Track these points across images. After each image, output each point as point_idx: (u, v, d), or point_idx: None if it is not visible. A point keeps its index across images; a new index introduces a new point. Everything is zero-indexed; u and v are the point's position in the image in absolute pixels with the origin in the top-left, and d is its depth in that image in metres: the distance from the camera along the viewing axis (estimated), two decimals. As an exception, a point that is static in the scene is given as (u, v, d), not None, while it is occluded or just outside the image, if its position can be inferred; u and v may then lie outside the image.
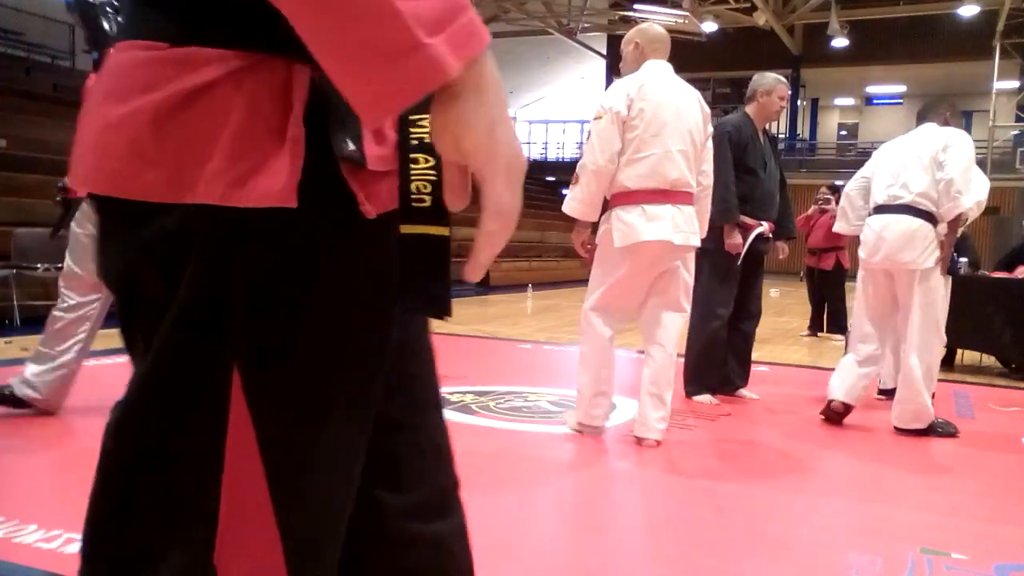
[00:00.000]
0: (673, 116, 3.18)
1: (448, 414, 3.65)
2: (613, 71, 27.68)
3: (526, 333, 7.02)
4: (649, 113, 3.15)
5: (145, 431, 0.68)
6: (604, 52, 27.42)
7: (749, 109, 4.33)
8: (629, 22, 22.80)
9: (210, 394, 0.65)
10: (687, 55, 24.20)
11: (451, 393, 4.19)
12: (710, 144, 3.46)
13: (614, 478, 2.98)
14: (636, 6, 20.30)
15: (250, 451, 0.66)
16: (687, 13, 19.35)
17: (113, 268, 0.69)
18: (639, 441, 3.33)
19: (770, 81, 4.32)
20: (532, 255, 16.22)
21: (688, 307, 3.46)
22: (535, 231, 17.43)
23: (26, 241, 6.66)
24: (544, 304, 10.46)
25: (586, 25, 23.95)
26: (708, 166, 3.44)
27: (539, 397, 4.15)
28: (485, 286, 13.20)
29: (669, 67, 3.38)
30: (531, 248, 16.55)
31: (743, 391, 4.43)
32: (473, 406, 3.89)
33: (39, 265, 6.51)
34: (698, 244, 3.35)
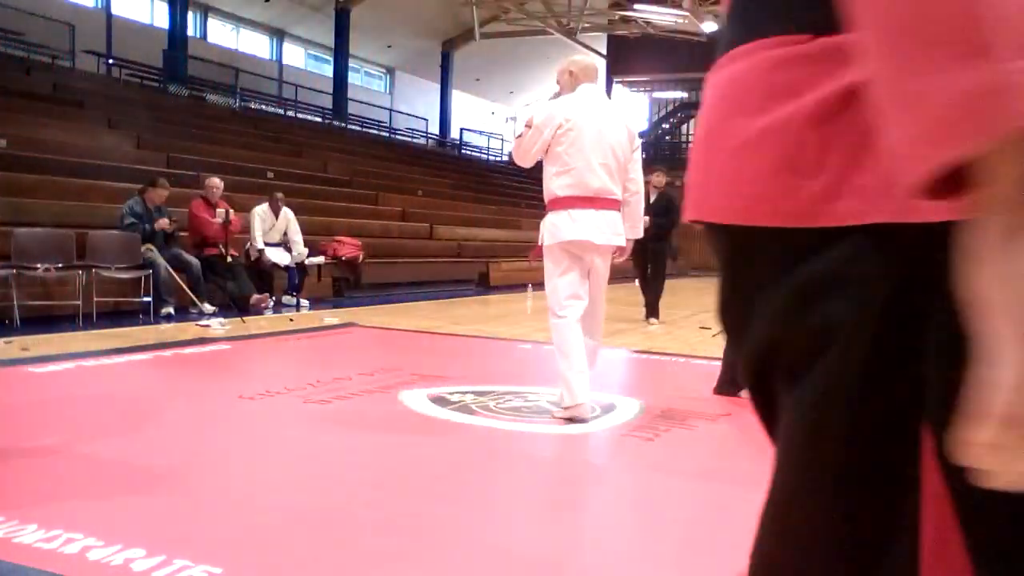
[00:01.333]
0: (596, 134, 3.64)
1: (448, 414, 3.65)
2: (613, 71, 27.73)
3: (526, 333, 7.01)
4: (575, 132, 3.63)
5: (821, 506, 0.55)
6: (604, 52, 27.40)
7: None
8: (629, 22, 22.82)
9: (895, 465, 0.51)
10: (687, 55, 24.28)
11: (451, 393, 4.19)
12: (638, 155, 3.89)
13: (613, 478, 2.98)
14: (636, 6, 20.29)
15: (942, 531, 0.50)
16: (687, 13, 19.34)
17: (760, 325, 0.56)
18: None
19: None
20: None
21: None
22: (535, 231, 17.44)
23: (26, 241, 6.66)
24: (544, 304, 10.46)
25: (586, 25, 23.94)
26: (636, 175, 3.88)
27: (539, 397, 4.15)
28: (485, 286, 13.20)
29: (599, 89, 3.90)
30: (531, 248, 16.56)
31: (745, 392, 4.42)
32: (473, 406, 3.89)
33: (39, 265, 6.52)
34: (620, 244, 3.78)
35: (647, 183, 8.26)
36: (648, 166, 8.73)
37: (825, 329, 0.51)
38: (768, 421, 0.59)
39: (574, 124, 3.64)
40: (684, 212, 0.63)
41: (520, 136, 3.81)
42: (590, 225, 3.65)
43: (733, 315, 0.60)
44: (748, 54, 0.56)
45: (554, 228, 3.72)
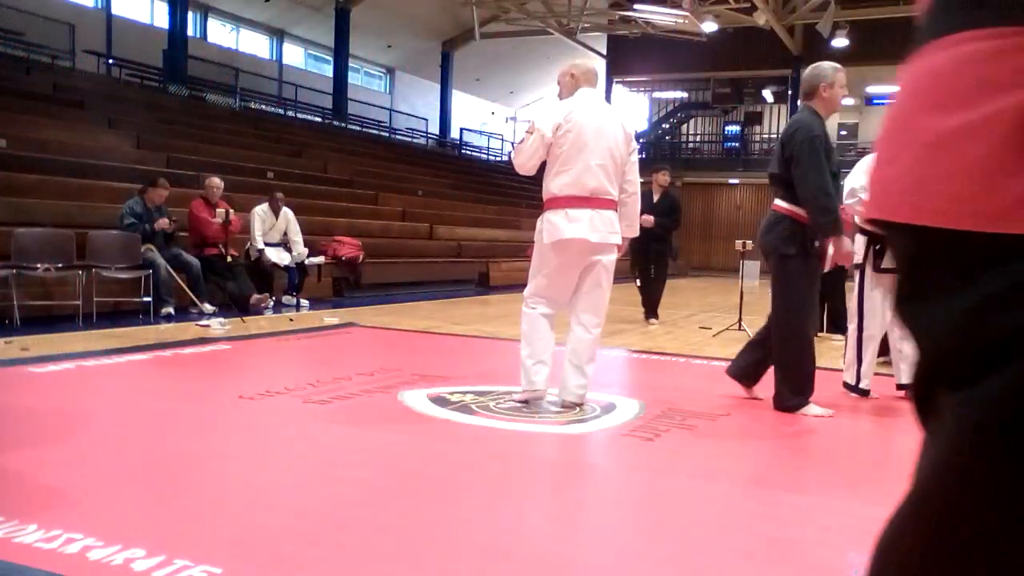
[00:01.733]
0: (594, 136, 3.77)
1: (448, 414, 3.65)
2: (613, 71, 27.69)
3: (526, 333, 7.02)
4: (573, 134, 3.76)
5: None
6: (604, 52, 27.38)
7: (816, 104, 3.98)
8: (629, 22, 22.81)
9: None
10: (687, 55, 24.28)
11: (451, 393, 4.19)
12: (634, 157, 3.97)
13: (613, 478, 2.98)
14: (636, 6, 20.28)
15: None
16: (687, 13, 19.33)
17: (938, 328, 0.54)
18: (562, 403, 3.90)
19: (829, 72, 3.96)
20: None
21: (607, 295, 3.97)
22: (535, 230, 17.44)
23: (26, 241, 6.66)
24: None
25: (586, 25, 23.93)
26: (632, 176, 3.96)
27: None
28: (485, 286, 13.19)
29: (597, 93, 4.01)
30: (530, 247, 16.55)
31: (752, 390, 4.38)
32: (473, 406, 3.89)
33: (39, 265, 6.52)
34: (617, 242, 3.89)
35: (651, 182, 8.26)
36: (650, 166, 8.74)
37: (1013, 338, 0.49)
38: (923, 421, 0.58)
39: (573, 126, 3.77)
40: (866, 209, 0.60)
41: (522, 142, 3.90)
42: (586, 224, 3.79)
43: (910, 317, 0.57)
44: (955, 45, 0.52)
45: (551, 227, 3.83)
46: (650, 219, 7.88)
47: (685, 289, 15.16)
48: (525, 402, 3.95)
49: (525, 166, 3.91)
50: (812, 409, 4.00)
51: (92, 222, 7.75)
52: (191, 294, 7.48)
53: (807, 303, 4.02)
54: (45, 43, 15.40)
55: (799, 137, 3.85)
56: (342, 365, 4.98)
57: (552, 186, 3.84)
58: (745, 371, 4.31)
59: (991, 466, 0.52)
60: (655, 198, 8.14)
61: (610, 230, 3.84)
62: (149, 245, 7.38)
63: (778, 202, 4.03)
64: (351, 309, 8.73)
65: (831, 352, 6.56)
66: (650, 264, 8.31)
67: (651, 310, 8.33)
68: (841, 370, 5.50)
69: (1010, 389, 0.50)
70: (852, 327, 4.67)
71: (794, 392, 4.03)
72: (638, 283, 8.49)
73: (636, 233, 4.13)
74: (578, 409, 3.88)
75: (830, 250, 3.97)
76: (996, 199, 0.49)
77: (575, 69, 4.00)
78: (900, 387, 4.51)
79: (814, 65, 4.08)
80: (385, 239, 12.45)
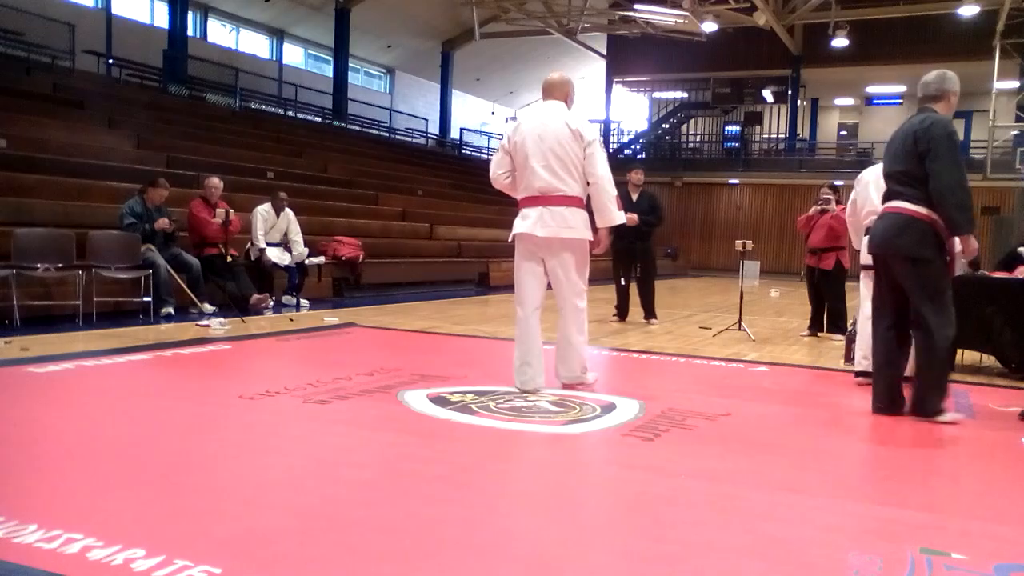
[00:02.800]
0: (534, 140, 4.16)
1: (448, 414, 3.64)
2: (613, 71, 27.69)
3: (526, 333, 7.01)
4: (520, 145, 4.22)
5: None
6: (604, 52, 27.37)
7: (940, 108, 3.95)
8: (629, 22, 22.81)
9: None
10: (687, 55, 24.28)
11: (451, 393, 4.19)
12: (591, 150, 4.18)
13: (613, 478, 2.98)
14: (636, 6, 20.27)
15: None
16: (687, 13, 19.33)
17: None
18: (558, 380, 4.34)
19: (956, 81, 4.00)
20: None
21: (580, 283, 4.27)
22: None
23: (26, 241, 6.66)
24: (544, 304, 10.43)
25: (586, 25, 23.93)
26: (592, 168, 4.18)
27: (539, 397, 4.15)
28: (485, 286, 13.19)
29: (549, 104, 4.31)
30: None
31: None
32: (473, 406, 3.89)
33: (39, 265, 6.52)
34: (572, 236, 4.15)
35: (627, 182, 8.25)
36: (650, 166, 8.70)
37: None
38: None
39: (520, 136, 4.21)
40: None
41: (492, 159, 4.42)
42: (535, 220, 4.16)
43: None
44: None
45: (514, 227, 4.29)
46: (634, 217, 7.87)
47: (685, 289, 15.16)
48: (532, 391, 4.25)
49: (497, 179, 4.40)
50: (949, 416, 3.89)
51: (92, 222, 7.75)
52: (191, 294, 7.48)
53: (952, 307, 3.87)
54: (45, 43, 15.40)
55: (937, 131, 3.74)
56: (342, 365, 4.98)
57: (517, 194, 4.31)
58: (890, 400, 4.07)
59: None
60: (634, 198, 8.13)
61: (562, 225, 4.14)
62: (149, 245, 7.38)
63: (902, 204, 3.86)
64: (351, 309, 8.73)
65: (831, 352, 6.56)
66: (636, 264, 8.27)
67: (648, 311, 8.30)
68: (843, 370, 5.51)
69: None
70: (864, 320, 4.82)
71: (943, 396, 3.91)
72: (621, 282, 8.37)
73: (612, 222, 4.28)
74: (578, 408, 3.88)
75: (957, 249, 3.89)
76: None
77: (543, 82, 4.42)
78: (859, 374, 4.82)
79: (940, 72, 4.01)
80: (385, 239, 12.45)
